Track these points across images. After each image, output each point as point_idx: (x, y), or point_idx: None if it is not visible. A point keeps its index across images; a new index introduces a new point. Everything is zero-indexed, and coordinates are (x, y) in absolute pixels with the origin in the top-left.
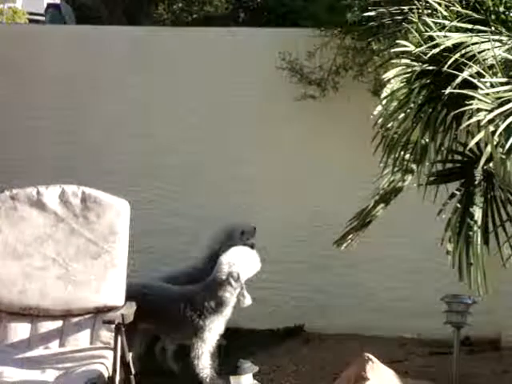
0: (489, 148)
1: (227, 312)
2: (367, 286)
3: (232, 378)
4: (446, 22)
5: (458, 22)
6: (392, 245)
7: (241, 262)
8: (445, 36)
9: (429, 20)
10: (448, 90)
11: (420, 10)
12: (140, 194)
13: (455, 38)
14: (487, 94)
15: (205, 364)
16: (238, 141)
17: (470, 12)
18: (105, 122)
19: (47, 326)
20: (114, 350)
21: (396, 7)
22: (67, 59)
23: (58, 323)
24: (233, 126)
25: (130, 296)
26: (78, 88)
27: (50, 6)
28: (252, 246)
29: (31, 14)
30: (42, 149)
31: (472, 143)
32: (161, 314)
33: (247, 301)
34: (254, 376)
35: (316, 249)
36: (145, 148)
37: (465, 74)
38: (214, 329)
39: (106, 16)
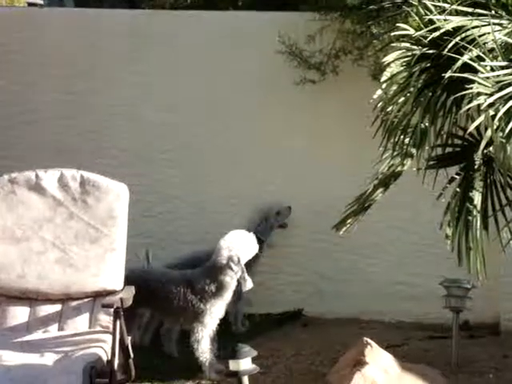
0: (489, 132)
1: (228, 296)
2: (366, 270)
3: (231, 362)
4: (446, 6)
5: (458, 5)
6: (391, 229)
7: (240, 245)
8: (445, 19)
9: (429, 3)
10: (448, 74)
11: None
12: (139, 178)
13: (455, 21)
14: (487, 78)
15: (204, 348)
16: (238, 125)
17: None
18: (105, 105)
19: (46, 309)
20: (113, 333)
21: None
22: (66, 42)
23: (57, 307)
24: (233, 110)
25: (129, 281)
26: (77, 72)
27: None
28: (285, 226)
29: None
30: (42, 132)
31: (472, 127)
32: (161, 298)
33: (249, 284)
34: (253, 360)
35: (315, 233)
36: (144, 132)
37: (465, 58)
38: (215, 313)
39: None
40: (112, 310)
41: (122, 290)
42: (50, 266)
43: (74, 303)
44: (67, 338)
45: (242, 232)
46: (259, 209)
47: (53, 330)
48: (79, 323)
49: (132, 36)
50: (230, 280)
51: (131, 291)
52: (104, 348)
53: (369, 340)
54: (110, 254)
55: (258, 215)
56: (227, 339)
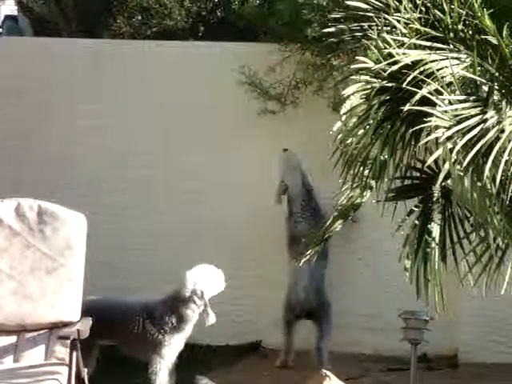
0: (447, 165)
1: (188, 329)
2: None
3: None
4: (405, 40)
5: (417, 39)
6: (350, 261)
7: (205, 279)
8: (404, 53)
9: (388, 37)
10: (407, 107)
11: (379, 27)
12: (97, 208)
13: (414, 55)
14: (445, 112)
15: (162, 380)
16: (198, 156)
17: (428, 30)
18: (61, 135)
19: (1, 341)
20: (69, 366)
21: (356, 24)
22: (24, 71)
23: (12, 338)
24: (192, 140)
25: (89, 311)
26: (34, 101)
27: (7, 17)
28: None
29: None
30: None
31: (430, 160)
32: (121, 328)
33: (211, 319)
34: None
35: (273, 263)
36: (102, 162)
37: (423, 91)
38: (174, 345)
39: (64, 28)
40: (68, 341)
41: (78, 321)
42: (6, 297)
43: (30, 335)
44: (22, 370)
45: (209, 267)
46: (289, 171)
47: (8, 362)
48: (35, 355)
49: (90, 65)
50: (192, 313)
51: (88, 323)
52: (60, 380)
53: (327, 372)
54: (67, 285)
55: (295, 176)
56: (185, 372)
